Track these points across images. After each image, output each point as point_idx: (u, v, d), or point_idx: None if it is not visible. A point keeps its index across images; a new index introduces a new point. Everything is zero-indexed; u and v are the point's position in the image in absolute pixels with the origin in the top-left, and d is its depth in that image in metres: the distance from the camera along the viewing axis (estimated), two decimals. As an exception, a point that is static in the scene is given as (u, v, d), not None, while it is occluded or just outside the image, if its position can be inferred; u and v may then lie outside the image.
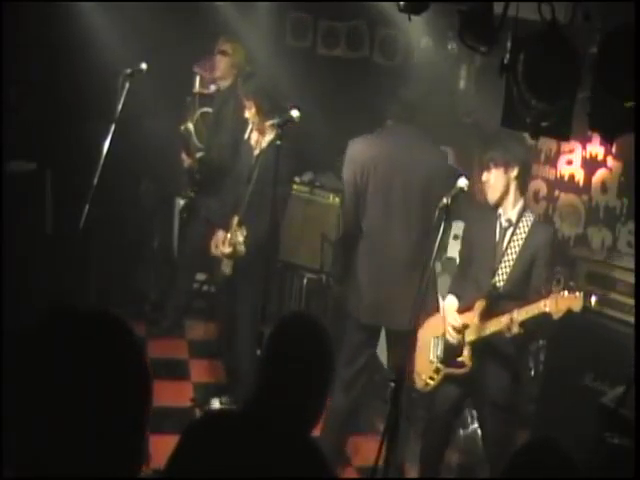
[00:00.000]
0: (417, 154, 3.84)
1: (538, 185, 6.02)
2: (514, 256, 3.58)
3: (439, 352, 3.76)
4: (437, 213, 3.11)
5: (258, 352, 3.71)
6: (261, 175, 4.36)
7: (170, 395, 4.69)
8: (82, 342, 1.26)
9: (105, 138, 4.02)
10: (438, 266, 5.34)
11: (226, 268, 4.50)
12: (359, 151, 3.88)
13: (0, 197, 4.69)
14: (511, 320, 3.36)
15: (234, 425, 2.13)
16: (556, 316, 3.27)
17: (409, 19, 3.87)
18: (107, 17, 5.31)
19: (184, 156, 5.32)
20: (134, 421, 1.30)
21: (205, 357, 5.36)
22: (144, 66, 4.21)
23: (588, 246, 5.32)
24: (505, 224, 3.66)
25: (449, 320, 3.70)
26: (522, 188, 3.70)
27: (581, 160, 5.58)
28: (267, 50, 6.32)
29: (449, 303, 3.78)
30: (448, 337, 3.69)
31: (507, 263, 3.59)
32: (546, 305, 3.28)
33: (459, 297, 3.75)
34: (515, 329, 3.36)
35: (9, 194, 4.75)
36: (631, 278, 4.78)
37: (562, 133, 3.45)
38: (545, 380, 4.75)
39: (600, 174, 5.43)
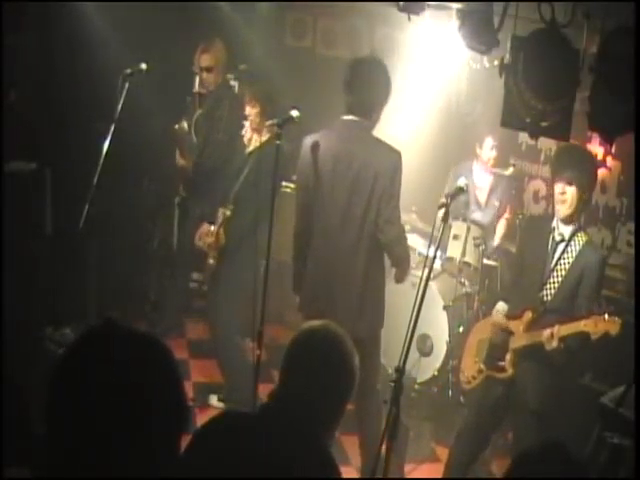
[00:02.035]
0: (366, 151, 3.70)
1: (538, 185, 6.02)
2: (563, 273, 3.65)
3: (483, 354, 3.90)
4: (437, 213, 3.10)
5: (258, 352, 3.74)
6: (251, 174, 4.42)
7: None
8: (122, 361, 1.29)
9: (105, 138, 4.02)
10: (438, 266, 5.35)
11: (211, 259, 4.61)
12: (310, 147, 3.78)
13: (0, 197, 4.68)
14: (552, 334, 3.47)
15: (248, 426, 2.12)
16: (594, 337, 3.37)
17: (409, 19, 3.88)
18: (107, 17, 5.30)
19: (178, 157, 5.31)
20: (162, 443, 1.32)
21: (205, 357, 5.36)
22: (144, 66, 4.21)
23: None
24: (558, 238, 3.70)
25: (494, 319, 3.86)
26: (584, 210, 3.79)
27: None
28: (267, 50, 6.32)
29: (499, 307, 3.91)
30: (491, 335, 3.83)
31: (555, 279, 3.67)
32: (586, 325, 3.38)
33: (508, 303, 3.88)
34: (554, 343, 3.48)
35: (9, 194, 4.74)
36: (631, 278, 4.78)
37: (562, 133, 3.45)
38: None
39: (600, 174, 5.42)
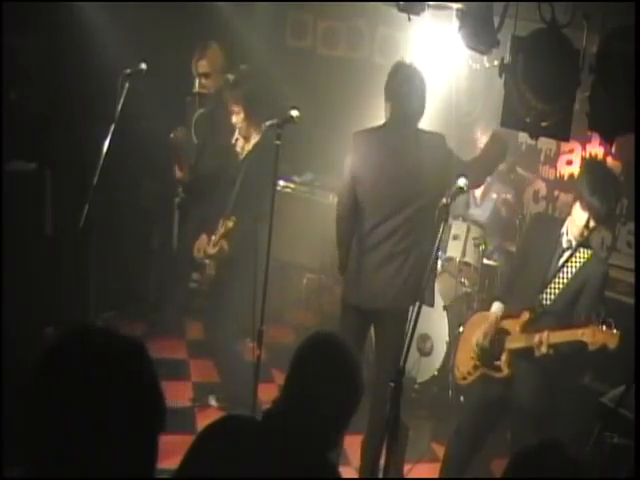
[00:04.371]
0: (412, 148, 3.85)
1: (538, 185, 6.02)
2: (565, 281, 3.63)
3: (479, 351, 3.87)
4: (437, 213, 3.10)
5: (257, 352, 3.75)
6: (246, 179, 4.44)
7: (170, 395, 4.63)
8: (97, 361, 1.30)
9: (105, 138, 4.02)
10: (438, 266, 5.35)
11: (211, 270, 4.62)
12: (357, 143, 3.96)
13: (0, 197, 4.69)
14: (541, 340, 3.44)
15: (250, 433, 2.11)
16: (592, 347, 3.33)
17: (408, 19, 3.89)
18: (107, 17, 5.30)
19: (177, 169, 5.26)
20: (137, 443, 1.33)
21: (204, 357, 5.36)
22: (144, 66, 4.20)
23: (588, 246, 5.31)
24: (566, 244, 3.68)
25: (489, 319, 3.84)
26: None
27: (581, 160, 5.58)
28: (267, 50, 6.32)
29: (494, 308, 3.89)
30: (482, 336, 3.80)
31: (558, 284, 3.64)
32: (584, 334, 3.34)
33: (504, 303, 3.85)
34: (544, 349, 3.44)
35: (9, 194, 4.74)
36: (631, 278, 4.79)
37: (562, 133, 3.45)
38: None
39: (600, 174, 5.42)
